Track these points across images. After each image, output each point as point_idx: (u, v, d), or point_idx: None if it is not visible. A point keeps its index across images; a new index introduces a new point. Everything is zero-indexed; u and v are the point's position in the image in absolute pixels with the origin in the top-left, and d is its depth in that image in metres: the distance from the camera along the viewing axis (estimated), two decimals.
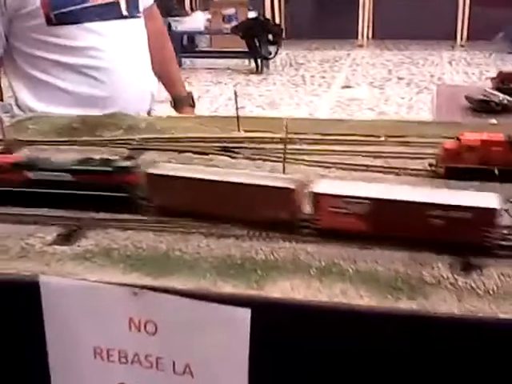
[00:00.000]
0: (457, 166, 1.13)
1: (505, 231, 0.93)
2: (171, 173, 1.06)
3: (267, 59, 7.45)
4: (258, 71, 7.43)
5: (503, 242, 0.92)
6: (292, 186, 0.99)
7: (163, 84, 2.27)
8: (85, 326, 0.94)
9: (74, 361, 0.97)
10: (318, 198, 0.97)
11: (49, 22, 1.87)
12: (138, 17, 2.06)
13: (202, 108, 5.65)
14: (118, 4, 1.94)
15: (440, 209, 0.91)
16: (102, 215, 1.07)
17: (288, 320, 0.86)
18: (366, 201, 0.94)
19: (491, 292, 0.85)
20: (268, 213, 1.00)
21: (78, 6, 1.86)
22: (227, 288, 0.88)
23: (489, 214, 0.90)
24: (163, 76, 2.24)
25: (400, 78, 6.96)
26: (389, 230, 0.94)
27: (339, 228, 0.96)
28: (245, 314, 0.86)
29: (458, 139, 1.14)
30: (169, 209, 1.06)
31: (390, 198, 0.94)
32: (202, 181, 1.03)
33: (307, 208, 1.01)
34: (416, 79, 6.88)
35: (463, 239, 0.91)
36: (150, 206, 1.08)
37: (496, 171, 1.12)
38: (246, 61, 7.74)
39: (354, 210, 0.94)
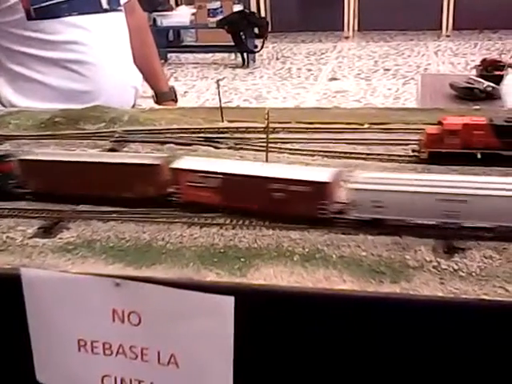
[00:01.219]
0: (439, 151, 1.13)
1: (340, 205, 0.97)
2: (43, 158, 1.10)
3: (253, 53, 7.43)
4: (244, 65, 7.41)
5: (339, 215, 0.96)
6: (157, 163, 1.05)
7: (145, 78, 2.26)
8: (68, 318, 0.93)
9: (58, 354, 0.96)
10: (177, 173, 1.03)
11: (29, 16, 1.85)
12: (119, 10, 2.05)
13: (188, 103, 5.63)
14: None
15: (279, 183, 0.97)
16: (83, 207, 1.06)
17: (272, 306, 0.85)
18: (217, 175, 1.00)
19: (474, 274, 0.85)
20: (138, 189, 1.05)
21: (58, 0, 1.84)
22: (211, 276, 0.88)
23: (322, 187, 0.95)
24: (145, 70, 2.23)
25: (386, 70, 6.97)
26: (238, 202, 1.01)
27: (198, 201, 1.03)
28: (229, 301, 0.85)
29: (440, 123, 1.13)
30: (44, 193, 1.09)
31: (236, 172, 1.00)
32: (73, 163, 1.08)
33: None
34: (402, 70, 6.88)
35: (301, 212, 0.96)
36: (25, 193, 1.10)
37: (479, 155, 1.12)
38: (233, 55, 7.72)
39: (208, 184, 1.01)
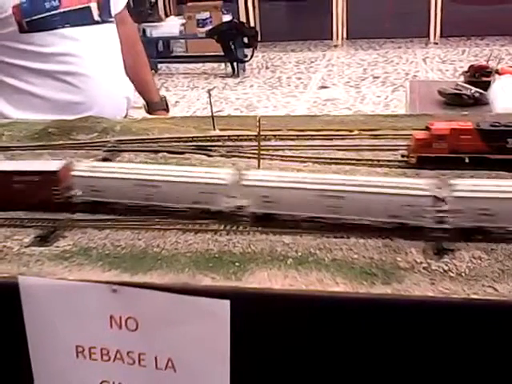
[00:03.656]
0: (428, 156, 1.15)
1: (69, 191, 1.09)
2: None
3: (243, 62, 7.46)
4: (234, 74, 7.44)
5: (71, 200, 1.09)
6: None
7: (136, 89, 2.27)
8: (66, 325, 0.95)
9: (56, 361, 0.97)
10: None
11: (21, 29, 1.87)
12: (111, 22, 2.07)
13: (179, 113, 5.65)
14: (89, 9, 1.95)
15: (18, 175, 1.09)
16: (79, 216, 1.08)
17: (267, 309, 0.87)
18: None
19: (463, 274, 0.87)
20: None
21: (50, 13, 1.86)
22: (206, 281, 0.89)
23: (51, 176, 1.08)
24: (136, 80, 2.25)
25: (375, 77, 7.01)
26: None
27: None
28: (224, 305, 0.87)
29: (427, 129, 1.16)
30: None
31: None
32: None
33: None
34: (391, 77, 6.93)
35: (40, 199, 1.08)
36: None
37: (466, 159, 1.14)
38: (223, 64, 7.75)
39: None
